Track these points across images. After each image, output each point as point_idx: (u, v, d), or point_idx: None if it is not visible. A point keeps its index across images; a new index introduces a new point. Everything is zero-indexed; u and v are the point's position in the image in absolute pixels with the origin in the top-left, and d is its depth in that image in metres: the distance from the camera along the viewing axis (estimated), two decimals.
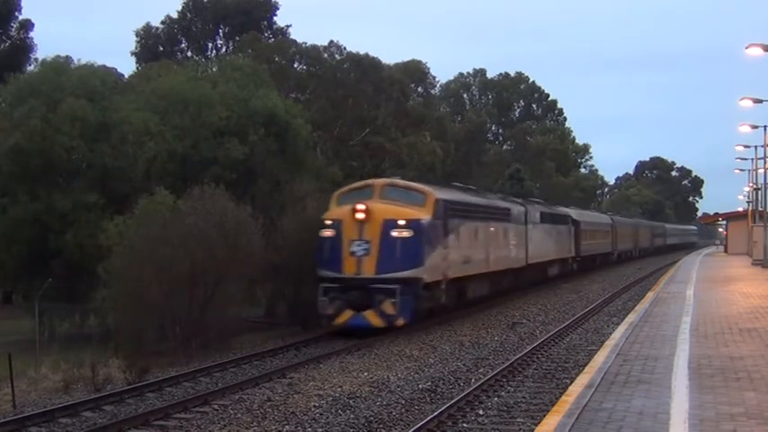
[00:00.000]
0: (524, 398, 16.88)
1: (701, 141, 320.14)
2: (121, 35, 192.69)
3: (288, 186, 34.93)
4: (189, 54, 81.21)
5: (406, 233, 26.41)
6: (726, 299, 29.74)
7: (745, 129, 55.10)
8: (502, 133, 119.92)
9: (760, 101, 44.70)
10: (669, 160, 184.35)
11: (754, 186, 71.15)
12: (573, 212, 57.60)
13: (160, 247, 25.00)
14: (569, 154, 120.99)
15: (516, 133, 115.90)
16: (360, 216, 26.53)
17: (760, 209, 64.43)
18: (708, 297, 30.57)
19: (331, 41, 77.93)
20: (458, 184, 39.01)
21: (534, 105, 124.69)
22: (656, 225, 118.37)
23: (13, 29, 60.96)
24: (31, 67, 55.57)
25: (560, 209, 55.48)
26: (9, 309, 39.71)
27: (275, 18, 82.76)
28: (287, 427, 14.59)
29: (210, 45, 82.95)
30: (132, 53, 79.45)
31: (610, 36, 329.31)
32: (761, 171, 64.81)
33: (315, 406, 16.10)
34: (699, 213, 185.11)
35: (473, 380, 18.78)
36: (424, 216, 27.29)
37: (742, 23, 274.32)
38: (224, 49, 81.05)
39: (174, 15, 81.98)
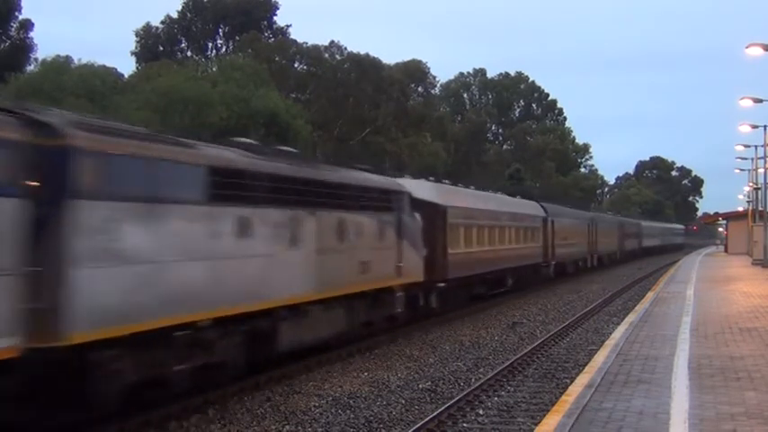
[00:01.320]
0: (524, 398, 16.88)
1: (701, 141, 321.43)
2: (121, 35, 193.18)
3: None
4: (189, 54, 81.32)
5: None
6: (726, 298, 29.75)
7: (746, 128, 55.21)
8: (502, 133, 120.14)
9: (760, 100, 44.75)
10: (669, 160, 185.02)
11: (754, 186, 71.22)
12: (419, 186, 28.41)
13: None
14: (569, 154, 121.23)
15: (516, 133, 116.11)
16: None
17: (760, 209, 64.46)
18: (708, 297, 30.57)
19: (331, 41, 78.28)
20: None
21: (534, 105, 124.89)
22: (628, 222, 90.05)
23: (13, 29, 61.00)
24: (31, 67, 55.70)
25: (353, 174, 22.69)
26: None
27: (275, 18, 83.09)
28: (287, 427, 14.58)
29: (210, 45, 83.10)
30: (132, 53, 79.75)
31: (610, 36, 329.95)
32: (761, 171, 64.90)
33: (315, 406, 16.09)
34: (699, 213, 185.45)
35: (473, 380, 18.76)
36: None
37: (742, 23, 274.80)
38: (224, 49, 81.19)
39: (174, 15, 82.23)
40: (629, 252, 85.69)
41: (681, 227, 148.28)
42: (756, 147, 62.54)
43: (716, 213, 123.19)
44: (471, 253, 31.75)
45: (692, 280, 41.62)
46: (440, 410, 15.14)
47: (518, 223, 40.03)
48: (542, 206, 47.83)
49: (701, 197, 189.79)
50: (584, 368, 16.04)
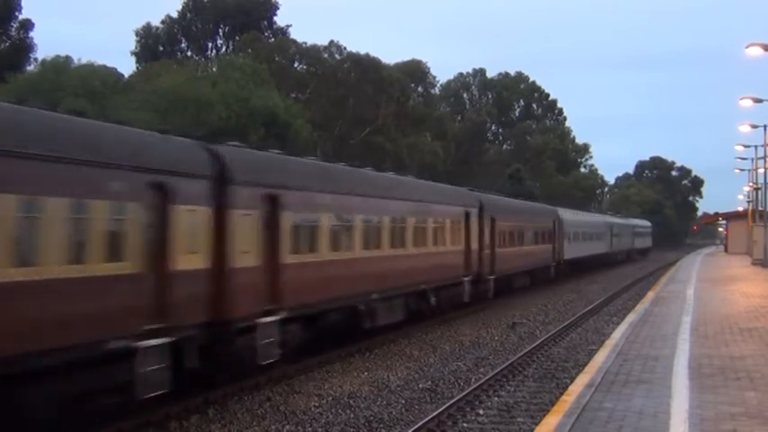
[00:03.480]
0: (524, 398, 16.89)
1: (701, 141, 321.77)
2: (121, 35, 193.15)
3: None
4: (189, 54, 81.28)
5: None
6: (726, 298, 29.74)
7: (746, 128, 55.19)
8: (502, 133, 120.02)
9: (760, 100, 44.73)
10: (669, 160, 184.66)
11: (754, 186, 71.15)
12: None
13: None
14: (569, 154, 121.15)
15: (516, 133, 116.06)
16: None
17: (760, 208, 64.43)
18: (708, 296, 30.57)
19: (331, 41, 78.29)
20: None
21: (534, 105, 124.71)
22: (524, 208, 45.78)
23: (14, 29, 60.98)
24: (31, 67, 55.70)
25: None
26: None
27: (275, 18, 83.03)
28: (287, 426, 14.58)
29: (210, 45, 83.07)
30: (132, 53, 79.70)
31: (610, 36, 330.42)
32: (761, 171, 64.83)
33: (315, 406, 16.10)
34: (699, 213, 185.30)
35: (473, 380, 18.76)
36: None
37: (742, 23, 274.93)
38: (224, 49, 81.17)
39: (174, 15, 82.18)
40: (534, 272, 44.18)
41: (647, 223, 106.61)
42: (756, 147, 62.51)
43: (716, 213, 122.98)
44: None
45: (691, 280, 41.60)
46: (440, 410, 15.14)
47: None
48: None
49: (701, 197, 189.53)
50: (584, 368, 16.04)
